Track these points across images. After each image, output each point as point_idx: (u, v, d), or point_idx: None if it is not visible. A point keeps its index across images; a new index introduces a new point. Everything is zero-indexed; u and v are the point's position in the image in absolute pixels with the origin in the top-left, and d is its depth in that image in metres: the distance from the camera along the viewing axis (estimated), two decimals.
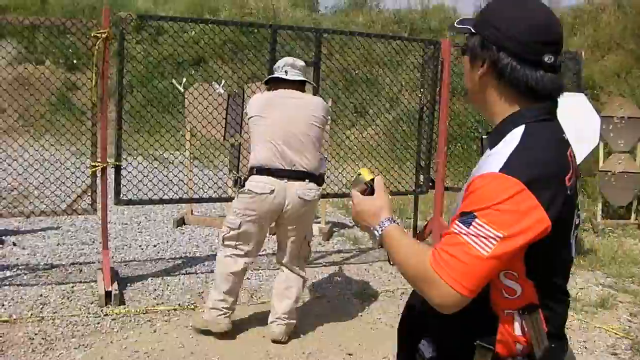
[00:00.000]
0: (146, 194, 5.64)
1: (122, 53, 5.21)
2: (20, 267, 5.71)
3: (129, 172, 5.57)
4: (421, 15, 15.20)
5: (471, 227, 1.54)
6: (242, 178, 4.39)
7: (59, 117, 9.09)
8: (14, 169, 5.71)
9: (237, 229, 4.29)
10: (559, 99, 1.72)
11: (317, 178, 4.42)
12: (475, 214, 1.55)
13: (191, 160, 7.40)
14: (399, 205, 8.53)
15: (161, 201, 5.72)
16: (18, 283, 5.27)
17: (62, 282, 5.33)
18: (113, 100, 6.22)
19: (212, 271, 5.74)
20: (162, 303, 5.05)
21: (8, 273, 5.53)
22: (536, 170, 1.56)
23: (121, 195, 5.46)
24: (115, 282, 5.06)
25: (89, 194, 5.35)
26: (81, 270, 5.69)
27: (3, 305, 4.80)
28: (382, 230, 1.75)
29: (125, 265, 5.91)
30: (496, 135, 1.69)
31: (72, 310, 4.77)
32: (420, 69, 6.78)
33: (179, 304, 5.03)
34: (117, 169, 5.38)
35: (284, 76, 4.47)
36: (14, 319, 4.55)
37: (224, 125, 6.64)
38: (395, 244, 1.72)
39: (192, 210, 7.70)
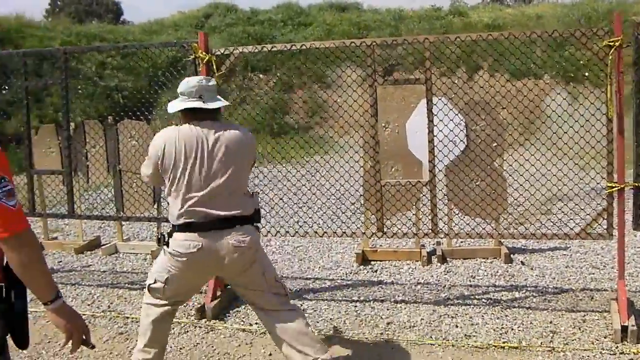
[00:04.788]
0: None
1: (638, 62, 4.61)
2: (529, 289, 5.59)
3: None
4: None
5: None
6: (166, 235, 3.65)
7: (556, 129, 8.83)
8: (520, 184, 5.43)
9: (163, 284, 3.66)
10: None
11: (250, 219, 3.65)
12: None
13: None
14: None
15: None
16: (527, 306, 5.14)
17: (572, 310, 5.01)
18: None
19: None
20: None
21: (517, 294, 5.46)
22: None
23: None
24: (632, 316, 4.50)
25: (605, 217, 4.89)
26: (592, 298, 5.28)
27: (512, 329, 4.70)
28: None
29: None
30: None
31: (584, 344, 4.39)
32: None
33: None
34: (637, 191, 4.76)
35: (202, 105, 3.59)
36: (524, 346, 4.41)
37: None
38: None
39: None
